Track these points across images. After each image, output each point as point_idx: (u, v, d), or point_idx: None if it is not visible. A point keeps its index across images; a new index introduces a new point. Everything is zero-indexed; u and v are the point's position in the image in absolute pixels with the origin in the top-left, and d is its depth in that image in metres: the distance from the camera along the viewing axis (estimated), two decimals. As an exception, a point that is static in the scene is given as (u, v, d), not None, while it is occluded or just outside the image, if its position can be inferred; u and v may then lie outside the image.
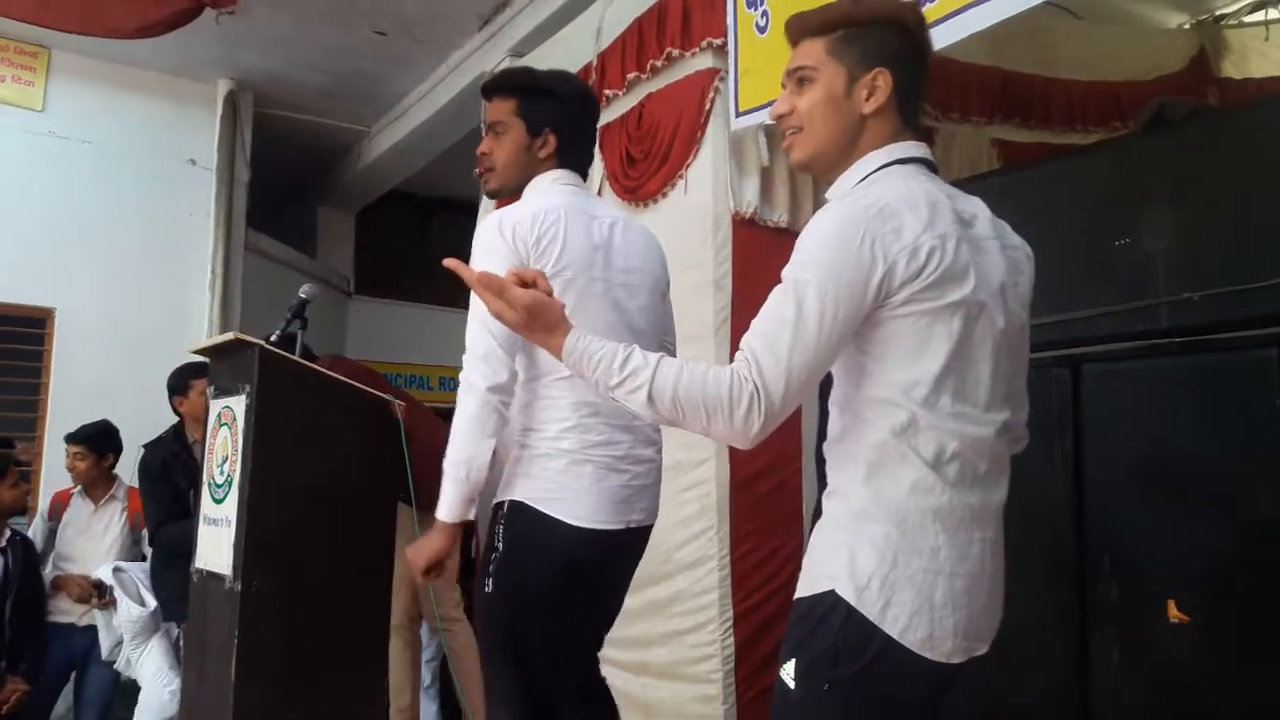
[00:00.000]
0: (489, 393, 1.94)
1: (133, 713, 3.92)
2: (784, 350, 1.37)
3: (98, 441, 4.22)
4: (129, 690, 4.13)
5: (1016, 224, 3.15)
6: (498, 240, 1.99)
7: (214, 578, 2.65)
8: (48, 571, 4.18)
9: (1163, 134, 2.80)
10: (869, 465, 1.44)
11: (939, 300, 1.41)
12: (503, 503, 2.06)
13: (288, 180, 7.16)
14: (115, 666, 4.02)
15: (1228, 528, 2.28)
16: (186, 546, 2.88)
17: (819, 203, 3.30)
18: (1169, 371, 2.45)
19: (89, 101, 5.67)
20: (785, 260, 1.47)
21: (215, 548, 2.66)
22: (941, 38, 2.38)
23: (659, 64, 3.52)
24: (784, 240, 3.36)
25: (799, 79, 1.56)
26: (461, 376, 1.98)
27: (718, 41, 3.30)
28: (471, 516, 2.04)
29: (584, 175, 2.22)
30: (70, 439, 4.24)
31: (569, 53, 4.13)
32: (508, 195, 2.19)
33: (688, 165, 3.37)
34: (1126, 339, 2.61)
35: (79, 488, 4.29)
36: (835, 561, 1.44)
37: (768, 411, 1.36)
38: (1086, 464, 2.56)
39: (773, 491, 3.24)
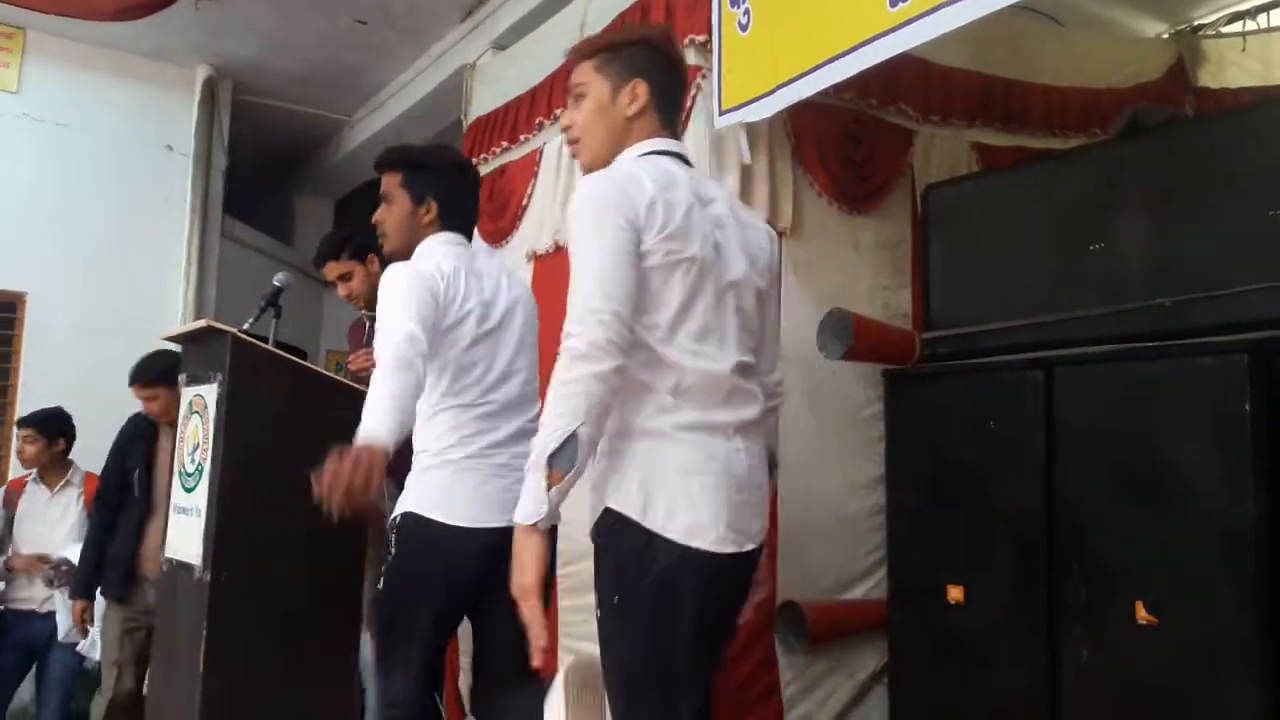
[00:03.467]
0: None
1: (93, 699, 3.87)
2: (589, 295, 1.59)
3: (47, 425, 4.17)
4: (88, 679, 4.09)
5: (993, 226, 3.17)
6: (415, 277, 2.20)
7: (184, 567, 2.63)
8: (4, 558, 4.12)
9: (1137, 141, 2.83)
10: (622, 395, 1.64)
11: (677, 254, 1.65)
12: (397, 516, 2.27)
13: (266, 168, 7.08)
14: (76, 648, 3.98)
15: (1195, 531, 2.30)
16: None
17: (797, 201, 3.35)
18: (1141, 375, 2.47)
19: (65, 84, 5.57)
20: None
21: (185, 537, 2.64)
22: (913, 37, 2.35)
23: (642, 60, 3.50)
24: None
25: (575, 95, 1.85)
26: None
27: (700, 39, 3.28)
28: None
29: (468, 234, 2.44)
30: (20, 423, 4.21)
31: (552, 46, 4.10)
32: (401, 257, 2.39)
33: (669, 162, 3.37)
34: (1099, 342, 2.63)
35: (33, 475, 4.24)
36: (604, 488, 1.68)
37: (601, 345, 1.56)
38: (1057, 465, 2.59)
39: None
